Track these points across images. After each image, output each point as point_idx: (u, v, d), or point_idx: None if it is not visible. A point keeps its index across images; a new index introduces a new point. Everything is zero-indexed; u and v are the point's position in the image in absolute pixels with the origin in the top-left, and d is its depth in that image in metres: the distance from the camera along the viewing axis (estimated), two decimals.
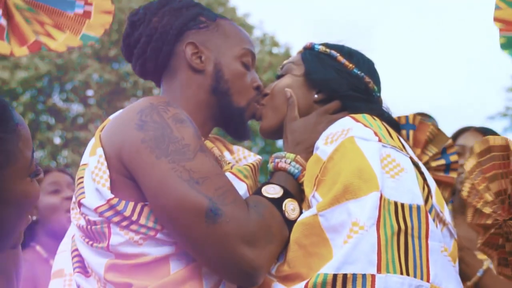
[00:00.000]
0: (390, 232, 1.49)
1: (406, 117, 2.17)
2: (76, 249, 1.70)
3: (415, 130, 2.19)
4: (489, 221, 1.74)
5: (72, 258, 1.71)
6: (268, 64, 18.06)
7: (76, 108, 17.60)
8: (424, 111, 2.82)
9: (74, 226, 1.71)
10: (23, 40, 1.61)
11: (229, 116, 1.84)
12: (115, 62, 17.74)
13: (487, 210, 1.74)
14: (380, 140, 1.62)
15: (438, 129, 2.23)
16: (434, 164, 2.25)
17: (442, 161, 2.26)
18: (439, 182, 2.23)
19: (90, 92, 17.34)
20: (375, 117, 1.74)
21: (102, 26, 1.67)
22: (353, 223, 1.50)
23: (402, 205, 1.53)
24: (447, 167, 2.27)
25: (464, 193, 1.82)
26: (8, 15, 1.57)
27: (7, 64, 16.00)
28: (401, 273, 1.47)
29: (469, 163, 1.77)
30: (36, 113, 17.20)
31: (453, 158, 2.25)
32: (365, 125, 1.67)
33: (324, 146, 1.64)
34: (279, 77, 1.94)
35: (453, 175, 2.29)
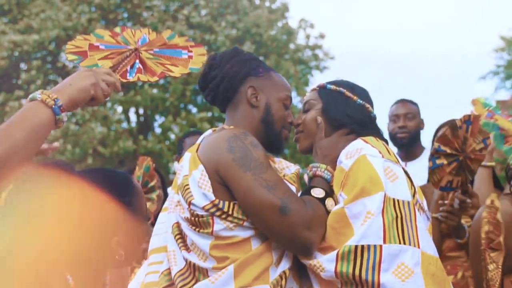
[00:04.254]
0: (391, 217, 2.25)
1: (469, 116, 3.13)
2: (179, 233, 2.43)
3: (471, 125, 3.14)
4: None
5: (176, 240, 2.42)
6: (267, 20, 18.54)
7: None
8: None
9: (178, 217, 2.43)
10: (154, 74, 2.26)
11: (271, 138, 2.56)
12: (121, 21, 18.18)
13: None
14: (383, 156, 2.38)
15: (483, 128, 3.08)
16: (477, 147, 3.18)
17: (482, 145, 3.17)
18: (476, 160, 3.20)
19: None
20: (377, 139, 2.50)
21: (200, 62, 2.35)
22: (367, 212, 2.24)
23: (398, 200, 2.30)
24: (481, 149, 3.19)
25: None
26: (142, 63, 2.26)
27: (20, 27, 16.46)
28: (399, 243, 2.22)
29: None
30: (45, 73, 17.66)
31: (489, 142, 3.16)
32: (372, 146, 2.42)
33: (345, 160, 2.39)
34: (305, 111, 2.66)
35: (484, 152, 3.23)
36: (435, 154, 3.14)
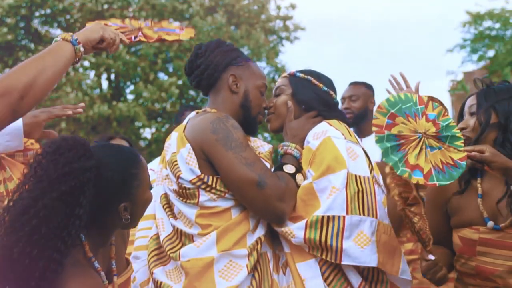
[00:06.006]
0: (353, 191, 2.54)
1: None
2: (167, 203, 2.72)
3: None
4: None
5: (164, 209, 2.71)
6: None
7: (56, 32, 17.91)
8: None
9: (166, 189, 2.71)
10: (151, 39, 2.52)
11: (248, 121, 2.82)
12: None
13: None
14: (345, 138, 2.66)
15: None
16: None
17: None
18: None
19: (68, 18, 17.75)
20: (340, 122, 2.79)
21: (189, 35, 2.58)
22: (332, 187, 2.53)
23: (359, 176, 2.60)
24: None
25: None
26: (143, 33, 2.50)
27: None
28: (360, 214, 2.52)
29: None
30: (17, 37, 17.61)
31: None
32: (336, 128, 2.70)
33: (313, 141, 2.68)
34: (276, 95, 2.93)
35: None
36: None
